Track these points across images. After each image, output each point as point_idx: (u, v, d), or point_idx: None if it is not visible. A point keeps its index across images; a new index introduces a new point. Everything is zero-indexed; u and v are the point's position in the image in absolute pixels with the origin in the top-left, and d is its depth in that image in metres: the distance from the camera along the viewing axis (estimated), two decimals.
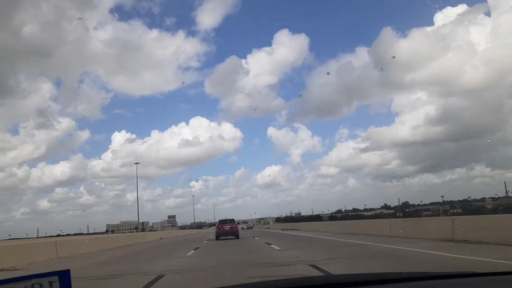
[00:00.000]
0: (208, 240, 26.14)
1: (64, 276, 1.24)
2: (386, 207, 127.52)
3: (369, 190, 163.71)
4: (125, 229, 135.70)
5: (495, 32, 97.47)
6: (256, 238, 25.09)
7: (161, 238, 39.11)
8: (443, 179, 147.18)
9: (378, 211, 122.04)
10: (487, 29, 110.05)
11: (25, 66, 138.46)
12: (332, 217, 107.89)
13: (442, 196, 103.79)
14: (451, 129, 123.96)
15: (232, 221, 26.68)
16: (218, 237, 25.53)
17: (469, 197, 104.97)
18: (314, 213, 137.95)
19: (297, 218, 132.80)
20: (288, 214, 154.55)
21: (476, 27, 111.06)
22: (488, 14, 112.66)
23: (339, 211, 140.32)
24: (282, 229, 44.26)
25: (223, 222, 26.49)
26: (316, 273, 7.02)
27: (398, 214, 66.88)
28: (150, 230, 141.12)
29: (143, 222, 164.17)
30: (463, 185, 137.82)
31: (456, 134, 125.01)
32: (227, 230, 25.48)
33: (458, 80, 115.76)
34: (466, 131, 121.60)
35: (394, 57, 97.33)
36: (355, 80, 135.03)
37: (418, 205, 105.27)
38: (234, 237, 25.37)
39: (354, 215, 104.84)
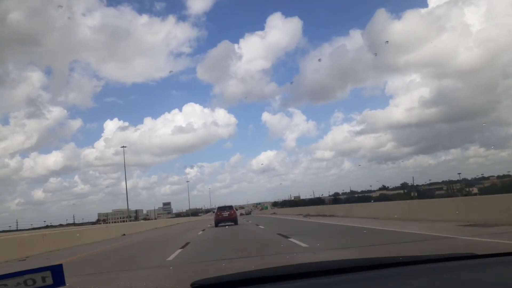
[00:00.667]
0: (203, 230, 21.84)
1: (57, 271, 1.23)
2: (385, 188, 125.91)
3: (364, 173, 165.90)
4: (118, 218, 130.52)
5: (489, 12, 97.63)
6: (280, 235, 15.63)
7: (156, 228, 34.56)
8: (438, 160, 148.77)
9: (378, 193, 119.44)
10: (481, 10, 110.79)
11: (13, 55, 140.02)
12: (336, 199, 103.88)
13: (459, 173, 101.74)
14: (445, 111, 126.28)
15: (230, 207, 27.04)
16: (217, 223, 25.78)
17: (481, 174, 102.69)
18: (315, 196, 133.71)
19: (297, 202, 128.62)
20: (286, 198, 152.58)
21: (471, 8, 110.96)
22: None
23: (336, 194, 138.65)
24: (306, 215, 30.78)
25: (221, 208, 26.84)
26: None
27: (413, 194, 62.32)
28: (144, 219, 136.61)
29: (136, 210, 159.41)
30: (458, 165, 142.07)
31: (450, 115, 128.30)
32: (225, 216, 25.85)
33: (452, 62, 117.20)
34: (460, 112, 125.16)
35: (387, 42, 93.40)
36: (349, 63, 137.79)
37: (426, 184, 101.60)
38: (233, 223, 25.47)
39: (361, 196, 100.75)
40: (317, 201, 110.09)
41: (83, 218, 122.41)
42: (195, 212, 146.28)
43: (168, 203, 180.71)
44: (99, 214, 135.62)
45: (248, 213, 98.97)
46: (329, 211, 27.08)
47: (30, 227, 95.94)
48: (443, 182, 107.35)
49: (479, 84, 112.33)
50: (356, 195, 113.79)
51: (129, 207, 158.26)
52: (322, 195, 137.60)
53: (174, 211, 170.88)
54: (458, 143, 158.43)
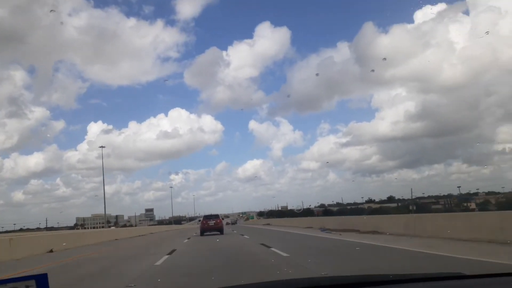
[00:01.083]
0: (188, 238, 19.17)
1: (41, 280, 1.22)
2: (370, 201, 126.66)
3: (349, 185, 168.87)
4: (97, 223, 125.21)
5: (473, 31, 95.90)
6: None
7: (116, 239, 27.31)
8: (422, 175, 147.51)
9: (365, 205, 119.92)
10: (466, 27, 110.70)
11: None
12: (327, 211, 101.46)
13: (459, 187, 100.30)
14: (430, 126, 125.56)
15: (216, 216, 26.75)
16: (202, 232, 25.39)
17: (471, 191, 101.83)
18: (304, 207, 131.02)
19: (285, 212, 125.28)
20: (271, 208, 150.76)
21: (455, 25, 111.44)
22: (467, 13, 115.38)
23: (322, 205, 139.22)
24: (325, 229, 23.55)
25: (207, 217, 26.48)
26: None
27: (411, 208, 59.76)
28: (125, 225, 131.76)
29: (116, 216, 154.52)
30: (440, 181, 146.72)
31: (435, 130, 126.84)
32: (211, 225, 25.54)
33: (436, 77, 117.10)
34: (444, 128, 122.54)
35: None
36: (336, 75, 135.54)
37: (416, 198, 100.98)
38: (219, 232, 25.29)
39: (354, 208, 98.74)
40: (306, 212, 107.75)
41: (58, 222, 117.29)
42: (178, 220, 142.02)
43: (151, 210, 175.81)
44: (77, 219, 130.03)
45: (234, 223, 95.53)
46: (351, 225, 21.01)
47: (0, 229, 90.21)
48: (429, 196, 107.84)
49: (463, 101, 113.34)
50: (348, 207, 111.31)
51: (111, 213, 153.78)
52: (310, 205, 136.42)
53: (157, 218, 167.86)
54: (442, 159, 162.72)
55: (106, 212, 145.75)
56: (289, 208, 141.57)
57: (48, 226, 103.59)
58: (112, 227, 58.56)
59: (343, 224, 21.70)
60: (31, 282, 1.20)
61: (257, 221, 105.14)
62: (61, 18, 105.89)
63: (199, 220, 36.73)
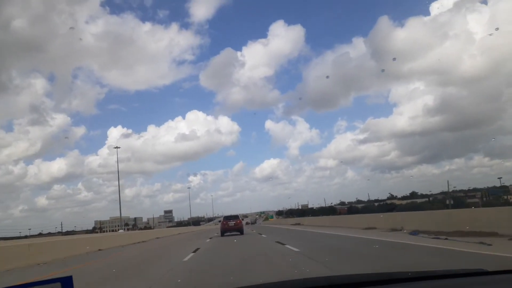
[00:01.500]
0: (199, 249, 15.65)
1: (66, 283, 1.23)
2: (393, 197, 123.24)
3: (368, 182, 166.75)
4: (115, 226, 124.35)
5: (492, 20, 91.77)
6: None
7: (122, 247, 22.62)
8: (442, 170, 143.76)
9: (388, 201, 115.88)
10: (485, 17, 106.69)
11: (17, 62, 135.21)
12: (351, 208, 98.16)
13: (499, 178, 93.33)
14: (449, 119, 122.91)
15: (236, 217, 27.07)
16: (223, 233, 25.57)
17: (496, 184, 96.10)
18: (326, 205, 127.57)
19: (305, 211, 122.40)
20: (289, 207, 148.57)
21: (474, 15, 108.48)
22: (485, 2, 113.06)
23: (342, 203, 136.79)
24: (370, 228, 21.34)
25: (227, 218, 26.84)
26: None
27: (448, 202, 56.14)
28: (145, 227, 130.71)
29: (135, 218, 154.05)
30: (462, 175, 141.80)
31: (455, 124, 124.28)
32: (231, 226, 25.76)
33: (455, 70, 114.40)
34: (464, 121, 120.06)
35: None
36: (352, 71, 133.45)
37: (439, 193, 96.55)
38: (239, 233, 25.48)
39: (383, 205, 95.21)
40: (329, 210, 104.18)
41: (75, 226, 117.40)
42: (196, 221, 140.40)
43: (170, 211, 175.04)
44: (96, 222, 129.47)
45: (254, 223, 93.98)
46: (459, 223, 13.25)
47: (18, 235, 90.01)
48: (455, 191, 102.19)
49: (483, 93, 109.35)
50: (376, 204, 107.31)
51: (130, 215, 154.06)
52: (332, 203, 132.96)
53: (176, 219, 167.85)
54: (462, 153, 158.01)
55: (126, 215, 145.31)
56: (309, 206, 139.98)
57: (64, 230, 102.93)
58: (121, 231, 56.45)
59: (444, 222, 14.36)
60: (57, 285, 1.20)
61: (277, 220, 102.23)
62: (77, 25, 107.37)
63: (219, 221, 36.38)
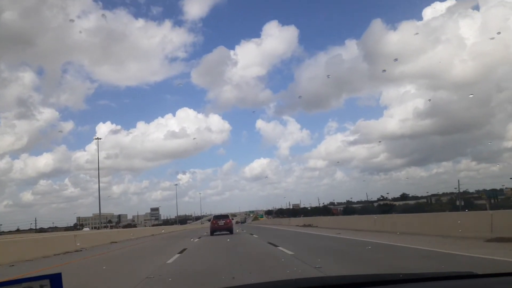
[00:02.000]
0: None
1: (55, 280, 1.25)
2: (384, 199, 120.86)
3: (357, 183, 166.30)
4: (98, 223, 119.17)
5: (484, 26, 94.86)
6: None
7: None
8: (430, 173, 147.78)
9: (381, 203, 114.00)
10: (476, 23, 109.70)
11: (5, 54, 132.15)
12: (347, 209, 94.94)
13: (511, 178, 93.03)
14: (439, 123, 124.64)
15: (226, 216, 27.30)
16: (212, 232, 25.61)
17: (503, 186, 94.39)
18: (320, 204, 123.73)
19: (297, 211, 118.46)
20: (279, 207, 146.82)
21: (466, 21, 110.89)
22: (477, 8, 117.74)
23: (332, 203, 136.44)
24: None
25: (217, 217, 27.01)
26: None
27: (458, 203, 52.63)
28: (128, 225, 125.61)
29: (119, 215, 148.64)
30: (449, 178, 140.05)
31: (444, 127, 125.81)
32: (221, 225, 25.85)
33: (447, 74, 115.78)
34: (454, 125, 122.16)
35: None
36: (344, 73, 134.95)
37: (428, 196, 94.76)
38: (228, 232, 25.50)
39: (382, 205, 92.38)
40: (323, 210, 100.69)
41: (53, 222, 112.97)
42: (183, 220, 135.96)
43: (156, 209, 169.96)
44: (78, 219, 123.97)
45: (244, 222, 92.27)
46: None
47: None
48: (444, 194, 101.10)
49: (473, 97, 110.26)
50: (375, 204, 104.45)
51: (116, 212, 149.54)
52: (324, 203, 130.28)
53: (163, 217, 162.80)
54: (450, 156, 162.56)
55: (110, 212, 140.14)
56: (301, 206, 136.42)
57: (47, 227, 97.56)
58: (86, 229, 51.91)
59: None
60: (46, 282, 1.22)
61: (268, 220, 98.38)
62: (68, 19, 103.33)
63: (209, 220, 36.30)
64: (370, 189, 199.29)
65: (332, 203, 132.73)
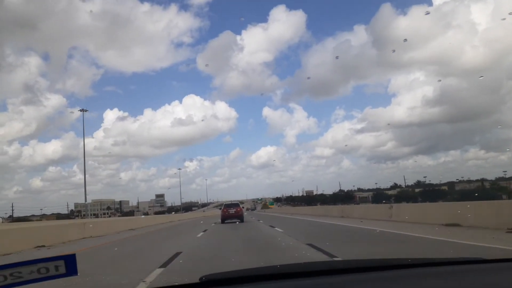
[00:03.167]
0: None
1: (70, 260, 1.27)
2: (397, 186, 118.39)
3: (363, 171, 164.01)
4: (97, 210, 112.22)
5: (496, 11, 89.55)
6: None
7: None
8: (437, 161, 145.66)
9: (395, 191, 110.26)
10: (489, 8, 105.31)
11: (10, 39, 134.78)
12: (377, 196, 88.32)
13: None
14: (448, 111, 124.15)
15: (237, 205, 27.42)
16: (223, 220, 25.62)
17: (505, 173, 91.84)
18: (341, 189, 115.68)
19: (313, 198, 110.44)
20: (291, 194, 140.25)
21: (478, 6, 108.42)
22: None
23: (341, 191, 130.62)
24: None
25: (228, 206, 27.06)
26: None
27: None
28: (130, 212, 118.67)
29: (120, 201, 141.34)
30: (456, 167, 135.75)
31: (453, 115, 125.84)
32: (232, 213, 25.91)
33: (457, 61, 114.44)
34: (463, 113, 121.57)
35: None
36: (353, 59, 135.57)
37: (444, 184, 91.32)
38: (239, 220, 25.50)
39: (429, 190, 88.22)
40: (345, 197, 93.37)
41: (41, 209, 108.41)
42: (188, 206, 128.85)
43: (162, 195, 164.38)
44: (76, 204, 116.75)
45: (253, 209, 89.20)
46: None
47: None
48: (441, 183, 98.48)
49: (483, 84, 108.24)
50: (417, 190, 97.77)
51: (121, 199, 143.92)
52: (343, 189, 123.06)
53: (169, 204, 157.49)
54: (459, 145, 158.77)
55: (110, 198, 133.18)
56: (316, 193, 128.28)
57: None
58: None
59: None
60: (60, 262, 1.24)
61: (279, 209, 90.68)
62: (73, 3, 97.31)
63: (218, 207, 35.97)
64: (378, 177, 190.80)
65: (360, 189, 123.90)
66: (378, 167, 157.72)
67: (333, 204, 61.96)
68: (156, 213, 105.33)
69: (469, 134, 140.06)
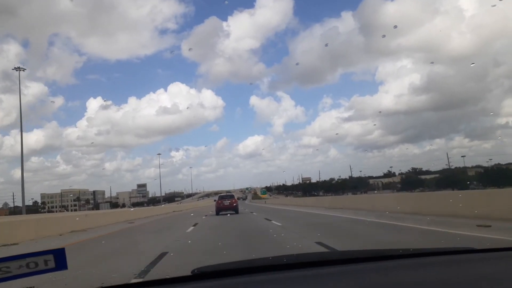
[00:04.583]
0: None
1: (59, 254, 1.27)
2: (390, 174, 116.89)
3: (348, 160, 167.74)
4: (68, 201, 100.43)
5: None
6: None
7: None
8: (423, 150, 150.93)
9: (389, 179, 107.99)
10: None
11: None
12: (410, 180, 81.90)
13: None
14: (434, 98, 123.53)
15: (231, 196, 27.80)
16: (218, 212, 26.22)
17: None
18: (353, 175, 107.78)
19: (313, 186, 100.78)
20: (277, 183, 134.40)
21: None
22: None
23: (332, 179, 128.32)
24: None
25: (222, 197, 27.49)
26: None
27: None
28: (113, 203, 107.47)
29: (94, 191, 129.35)
30: (441, 155, 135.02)
31: (439, 103, 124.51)
32: (226, 205, 26.35)
33: (444, 47, 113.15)
34: (449, 101, 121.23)
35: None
36: (340, 46, 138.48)
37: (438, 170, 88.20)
38: (234, 212, 26.25)
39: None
40: (358, 182, 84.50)
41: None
42: (171, 197, 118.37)
43: (144, 185, 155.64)
44: (43, 195, 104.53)
45: (244, 199, 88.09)
46: None
47: None
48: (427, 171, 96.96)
49: (470, 72, 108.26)
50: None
51: (108, 189, 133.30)
52: (340, 176, 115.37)
53: (151, 194, 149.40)
54: (444, 133, 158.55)
55: (84, 187, 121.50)
56: (313, 181, 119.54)
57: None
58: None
59: None
60: (49, 257, 1.24)
61: (275, 199, 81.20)
62: None
63: (210, 198, 38.92)
64: (363, 166, 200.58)
65: (332, 179, 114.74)
66: (364, 156, 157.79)
67: (341, 193, 52.07)
68: (134, 204, 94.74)
69: (454, 122, 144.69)
